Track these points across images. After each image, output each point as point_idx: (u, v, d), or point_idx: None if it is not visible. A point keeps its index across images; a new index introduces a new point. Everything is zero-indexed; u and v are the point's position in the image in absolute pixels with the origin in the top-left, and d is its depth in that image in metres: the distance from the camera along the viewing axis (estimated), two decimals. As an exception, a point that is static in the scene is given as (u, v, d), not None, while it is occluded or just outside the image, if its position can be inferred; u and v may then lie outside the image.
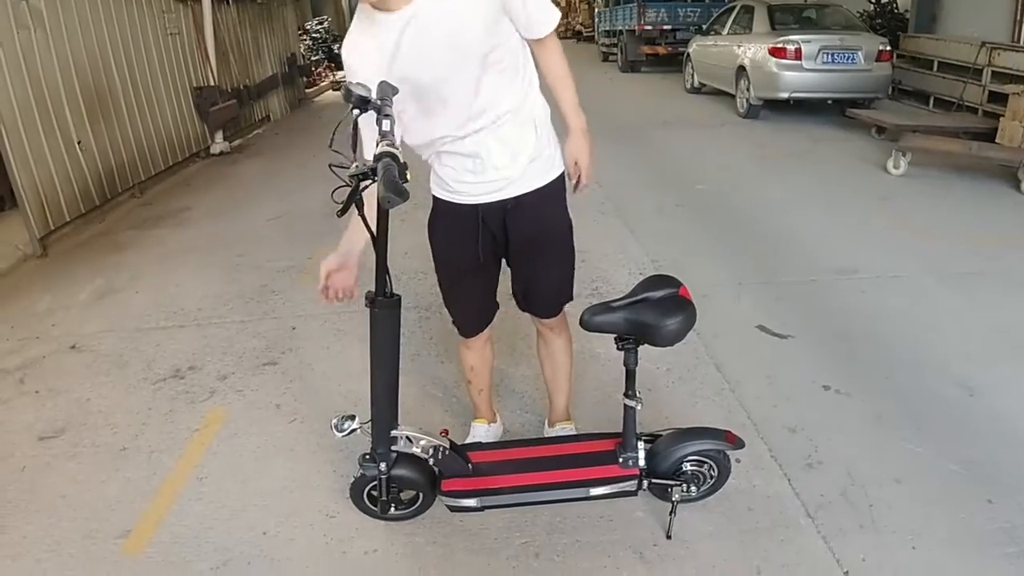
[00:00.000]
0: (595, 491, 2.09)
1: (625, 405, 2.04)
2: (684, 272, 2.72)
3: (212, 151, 8.22)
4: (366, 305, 1.84)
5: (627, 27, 14.82)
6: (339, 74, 15.04)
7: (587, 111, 2.06)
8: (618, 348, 1.98)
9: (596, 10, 20.04)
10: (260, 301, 3.95)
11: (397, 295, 1.85)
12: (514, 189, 1.95)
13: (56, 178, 5.26)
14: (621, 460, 2.07)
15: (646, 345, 1.94)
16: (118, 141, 6.28)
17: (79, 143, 5.64)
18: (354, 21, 1.82)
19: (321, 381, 3.09)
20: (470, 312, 2.22)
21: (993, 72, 7.84)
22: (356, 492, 2.14)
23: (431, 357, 3.22)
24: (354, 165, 1.62)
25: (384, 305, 1.83)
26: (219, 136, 8.31)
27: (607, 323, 1.91)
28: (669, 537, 2.10)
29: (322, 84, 14.08)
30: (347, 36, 1.84)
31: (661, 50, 14.15)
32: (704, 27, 11.19)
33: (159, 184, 6.95)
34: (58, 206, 5.25)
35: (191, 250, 4.91)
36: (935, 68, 8.95)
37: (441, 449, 2.04)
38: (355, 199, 1.66)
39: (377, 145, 1.55)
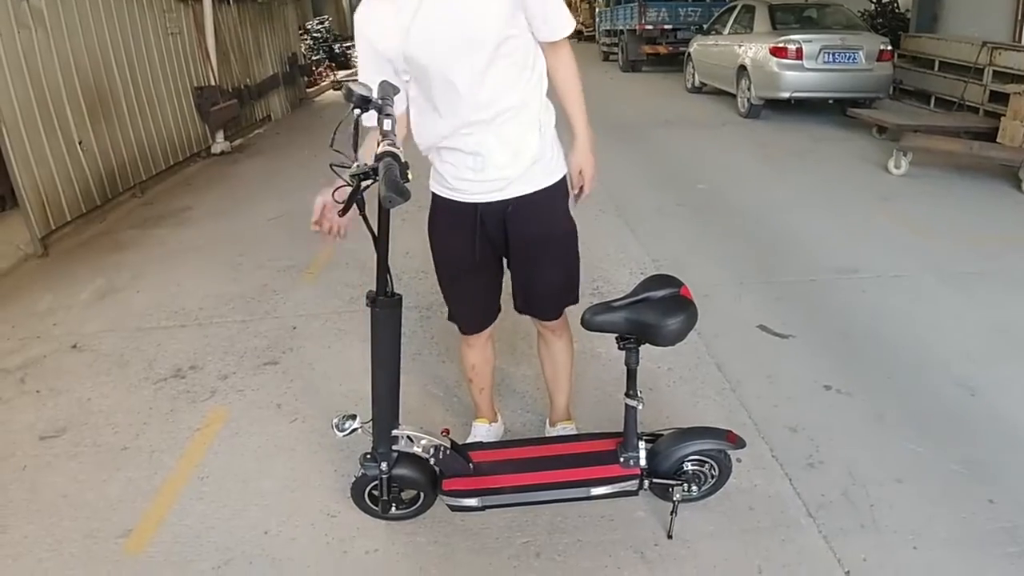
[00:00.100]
0: (596, 491, 2.09)
1: (626, 405, 2.04)
2: (685, 272, 2.72)
3: (213, 151, 8.22)
4: (367, 305, 1.84)
5: (628, 26, 14.83)
6: (340, 74, 15.07)
7: (587, 110, 2.06)
8: (619, 348, 1.98)
9: (597, 9, 20.03)
10: (261, 301, 3.95)
11: (398, 295, 1.85)
12: (515, 189, 1.94)
13: (57, 178, 5.26)
14: (622, 460, 2.07)
15: (647, 345, 1.94)
16: (119, 141, 6.27)
17: (80, 143, 5.64)
18: None
19: (322, 381, 3.10)
20: (470, 310, 2.22)
21: (994, 72, 7.84)
22: (357, 492, 2.14)
23: (432, 357, 3.23)
24: (355, 165, 1.62)
25: (385, 305, 1.83)
26: (220, 136, 8.31)
27: (608, 323, 1.91)
28: (670, 537, 2.10)
29: (323, 84, 14.07)
30: (360, 6, 1.82)
31: (662, 49, 14.16)
32: (705, 27, 11.20)
33: (160, 184, 6.95)
34: (59, 206, 5.25)
35: (192, 250, 4.91)
36: (936, 68, 8.95)
37: (442, 449, 2.04)
38: (356, 199, 1.66)
39: (379, 145, 1.55)
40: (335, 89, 13.78)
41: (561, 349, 2.32)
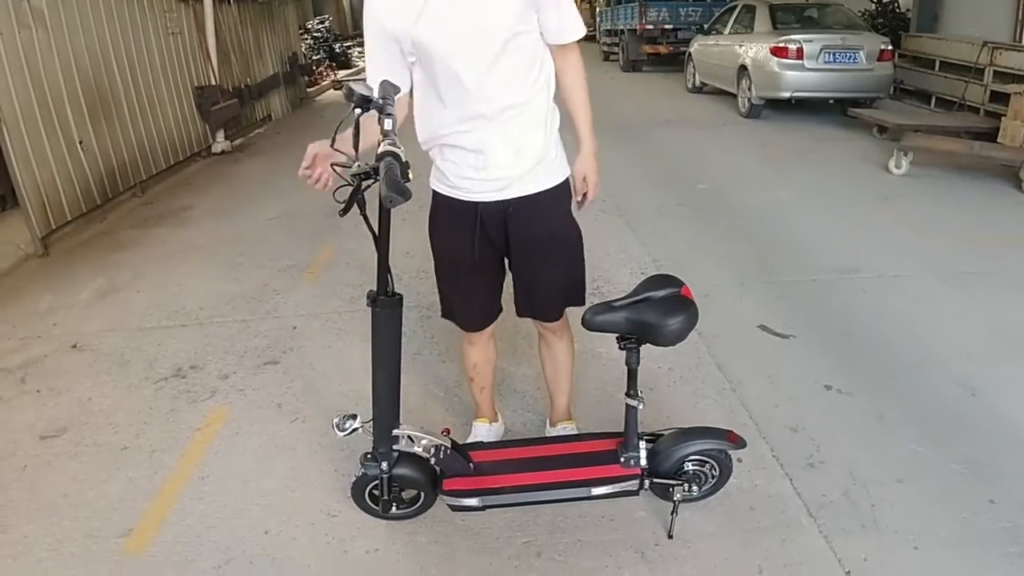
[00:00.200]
0: (597, 491, 2.09)
1: (627, 404, 2.04)
2: (686, 271, 2.72)
3: (213, 150, 8.22)
4: (368, 304, 1.84)
5: (628, 26, 14.83)
6: (340, 73, 15.07)
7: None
8: (620, 348, 1.98)
9: (597, 9, 20.02)
10: (261, 300, 3.95)
11: (399, 294, 1.85)
12: (516, 189, 1.94)
13: (57, 177, 5.26)
14: (623, 460, 2.07)
15: (648, 345, 1.94)
16: (119, 140, 6.27)
17: (80, 142, 5.64)
18: None
19: (322, 380, 3.09)
20: (471, 310, 2.22)
21: (995, 72, 7.83)
22: (358, 491, 2.14)
23: (433, 356, 3.22)
24: (356, 164, 1.62)
25: (386, 304, 1.83)
26: (220, 135, 8.31)
27: (609, 323, 1.91)
28: (671, 537, 2.10)
29: (323, 83, 14.07)
30: None
31: (662, 49, 14.15)
32: (706, 26, 11.19)
33: (160, 183, 6.95)
34: (59, 205, 5.25)
35: (192, 249, 4.91)
36: (937, 68, 8.95)
37: (443, 448, 2.04)
38: (357, 198, 1.66)
39: (379, 144, 1.55)
40: (335, 89, 13.78)
41: (562, 350, 2.32)
